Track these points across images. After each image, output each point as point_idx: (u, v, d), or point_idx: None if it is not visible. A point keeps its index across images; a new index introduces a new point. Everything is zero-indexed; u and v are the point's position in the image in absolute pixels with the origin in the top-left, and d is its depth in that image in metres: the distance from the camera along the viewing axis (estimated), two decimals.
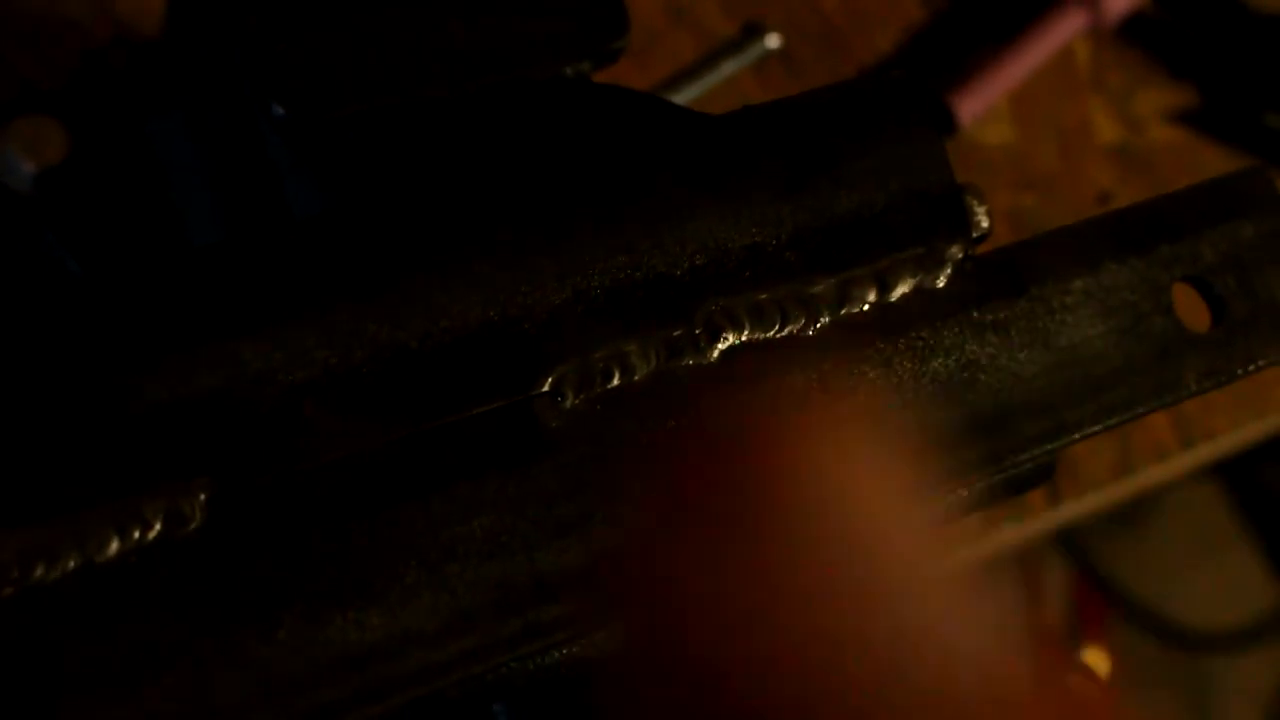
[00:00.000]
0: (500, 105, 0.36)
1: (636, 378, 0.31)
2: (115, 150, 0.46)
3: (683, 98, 0.55)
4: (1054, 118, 0.65)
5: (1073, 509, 0.60)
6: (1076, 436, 0.34)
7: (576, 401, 0.31)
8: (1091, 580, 1.53)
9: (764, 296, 0.32)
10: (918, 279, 0.34)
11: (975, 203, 0.35)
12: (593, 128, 0.36)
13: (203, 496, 0.28)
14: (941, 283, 0.34)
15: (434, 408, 0.30)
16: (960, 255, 0.34)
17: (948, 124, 0.60)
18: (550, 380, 0.31)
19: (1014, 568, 1.53)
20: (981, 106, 0.60)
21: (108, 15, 0.53)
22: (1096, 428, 0.34)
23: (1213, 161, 0.66)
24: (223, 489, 0.28)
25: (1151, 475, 0.61)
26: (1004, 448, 0.33)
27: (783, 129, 0.34)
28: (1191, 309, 0.36)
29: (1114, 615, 1.52)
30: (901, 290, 0.34)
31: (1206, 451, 0.62)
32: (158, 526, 0.27)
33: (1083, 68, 0.66)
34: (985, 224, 0.35)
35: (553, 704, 0.34)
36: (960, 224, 0.34)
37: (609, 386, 0.31)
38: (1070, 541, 1.52)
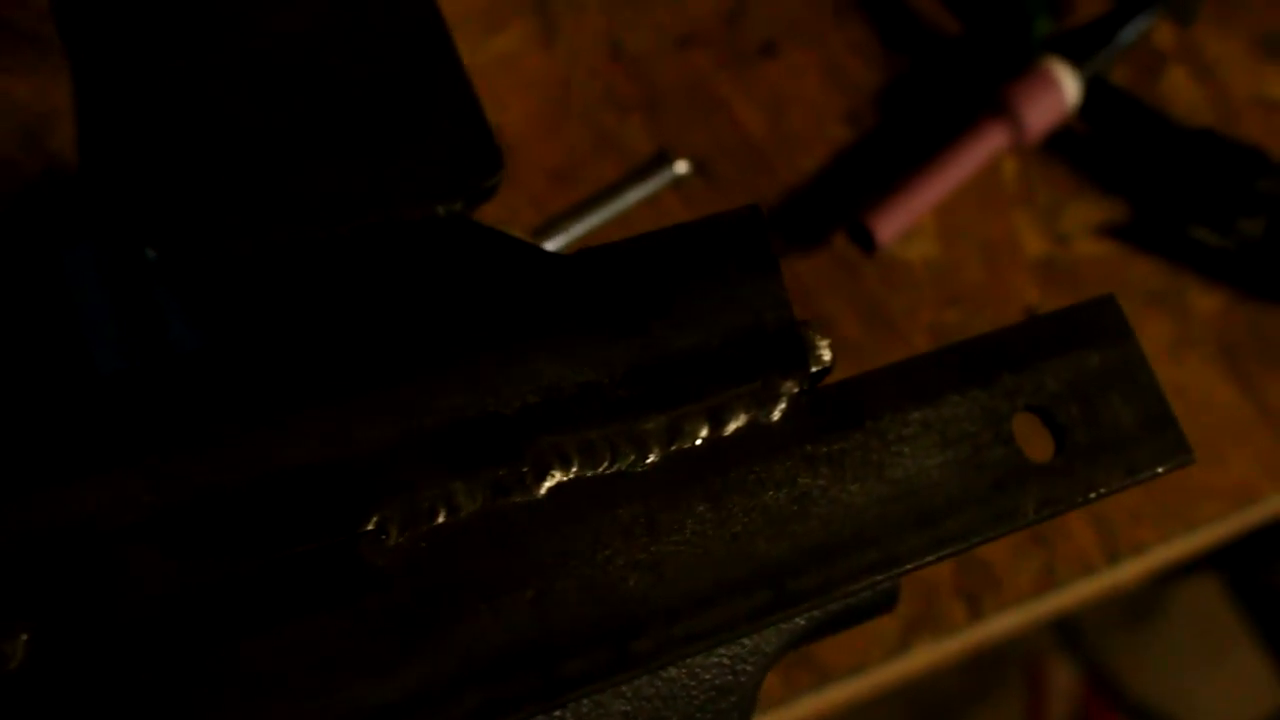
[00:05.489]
0: (367, 246, 0.37)
1: (463, 515, 0.32)
2: (28, 278, 0.48)
3: (598, 219, 0.57)
4: (979, 232, 0.66)
5: (999, 624, 0.60)
6: (909, 567, 0.34)
7: (401, 539, 0.32)
8: (1097, 681, 1.52)
9: (594, 434, 0.33)
10: (751, 414, 0.35)
11: (817, 337, 0.36)
12: (449, 270, 0.37)
13: (24, 637, 0.29)
14: (776, 417, 0.35)
15: (258, 547, 0.31)
16: (795, 389, 0.35)
17: (867, 243, 0.61)
18: (375, 519, 0.32)
19: (1019, 669, 1.52)
20: (900, 226, 0.61)
21: (40, 150, 0.55)
22: (930, 558, 0.35)
23: (1139, 273, 0.67)
24: (43, 630, 0.29)
25: (1079, 590, 0.62)
26: (835, 578, 0.34)
27: (621, 270, 0.35)
28: (1037, 437, 0.37)
29: (1121, 716, 1.51)
30: (735, 425, 0.34)
31: (1134, 567, 0.62)
32: None
33: (1010, 183, 0.68)
34: (827, 357, 0.36)
35: None
36: (797, 359, 0.35)
37: (435, 524, 0.32)
38: (1075, 641, 1.51)
